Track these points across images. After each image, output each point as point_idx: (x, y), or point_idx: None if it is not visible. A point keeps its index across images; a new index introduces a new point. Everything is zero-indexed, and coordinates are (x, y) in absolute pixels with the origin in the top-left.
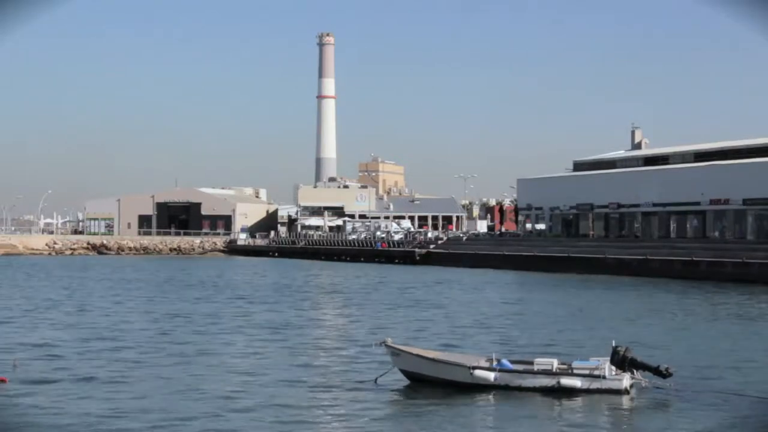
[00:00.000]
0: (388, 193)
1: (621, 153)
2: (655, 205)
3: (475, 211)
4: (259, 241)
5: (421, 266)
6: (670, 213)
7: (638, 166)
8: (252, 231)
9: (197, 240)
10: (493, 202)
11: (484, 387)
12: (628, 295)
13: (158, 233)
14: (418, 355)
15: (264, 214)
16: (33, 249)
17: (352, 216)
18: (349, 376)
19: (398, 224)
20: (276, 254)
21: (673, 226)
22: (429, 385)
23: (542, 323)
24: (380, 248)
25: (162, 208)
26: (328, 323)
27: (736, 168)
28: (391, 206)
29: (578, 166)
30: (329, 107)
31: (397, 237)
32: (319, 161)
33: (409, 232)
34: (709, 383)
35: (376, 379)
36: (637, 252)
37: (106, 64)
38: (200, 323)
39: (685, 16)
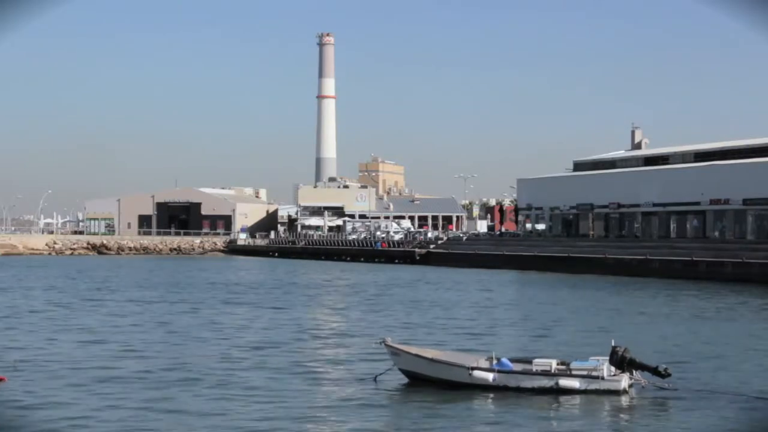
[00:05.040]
0: (388, 193)
1: (621, 153)
2: (655, 205)
3: (475, 211)
4: (259, 241)
5: (420, 266)
6: (670, 213)
7: (638, 166)
8: (252, 231)
9: (197, 240)
10: (493, 202)
11: (483, 387)
12: (629, 295)
13: (158, 233)
14: (417, 355)
15: (264, 214)
16: (33, 249)
17: (352, 216)
18: (348, 374)
19: (398, 224)
20: (276, 254)
21: (673, 226)
22: (428, 384)
23: (547, 323)
24: (380, 248)
25: (162, 208)
26: (329, 322)
27: (736, 168)
28: (391, 206)
29: (578, 166)
30: (329, 107)
31: (397, 237)
32: (319, 161)
33: (409, 232)
34: (708, 383)
35: (375, 378)
36: (637, 252)
37: (106, 64)
38: (202, 321)
39: (685, 16)
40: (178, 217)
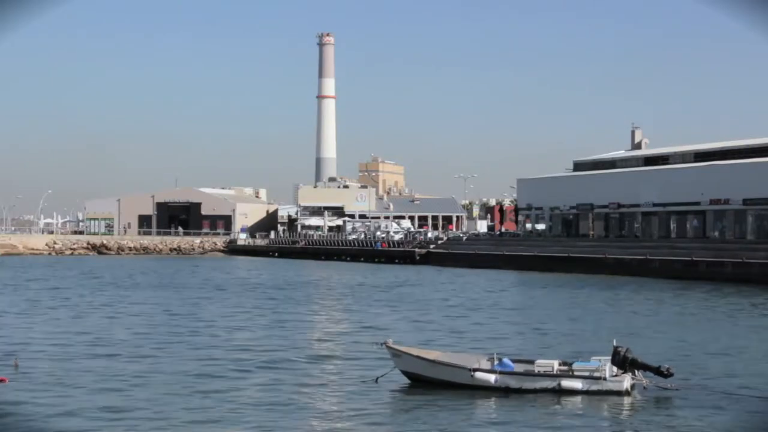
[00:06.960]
0: (388, 193)
1: (621, 153)
2: (655, 205)
3: (475, 211)
4: (259, 241)
5: (420, 266)
6: (670, 213)
7: (638, 166)
8: (252, 231)
9: (197, 240)
10: (493, 202)
11: (485, 388)
12: (629, 296)
13: (158, 233)
14: (418, 357)
15: (264, 214)
16: (33, 249)
17: (352, 216)
18: (349, 376)
19: (398, 224)
20: (276, 254)
21: (673, 226)
22: (429, 386)
23: (547, 323)
24: (380, 248)
25: (162, 208)
26: (329, 323)
27: (736, 168)
28: (391, 206)
29: (578, 166)
30: (329, 107)
31: (397, 237)
32: (319, 161)
33: (409, 232)
34: (710, 383)
35: (376, 380)
36: (637, 252)
37: (106, 64)
38: (202, 321)
39: (685, 16)
40: (178, 217)
